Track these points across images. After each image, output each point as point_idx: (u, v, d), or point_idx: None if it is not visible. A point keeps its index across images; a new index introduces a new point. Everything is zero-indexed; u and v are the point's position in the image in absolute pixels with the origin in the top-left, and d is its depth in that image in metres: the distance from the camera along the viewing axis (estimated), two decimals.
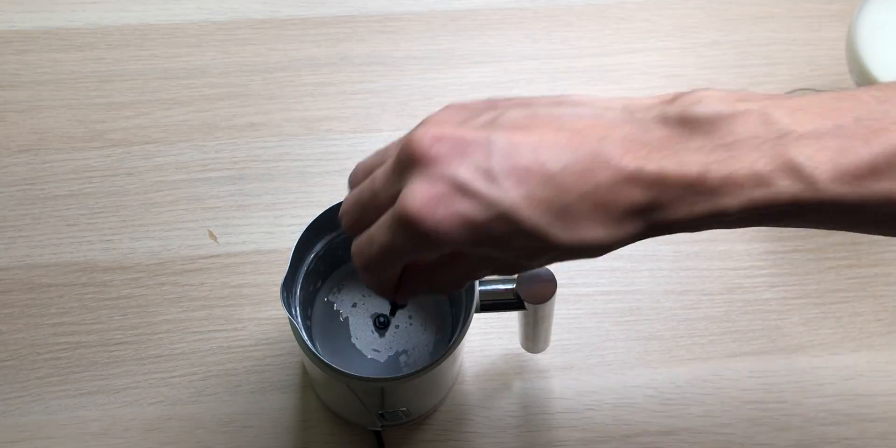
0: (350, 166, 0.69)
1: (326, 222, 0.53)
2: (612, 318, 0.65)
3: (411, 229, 0.35)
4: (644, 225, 0.36)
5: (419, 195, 0.35)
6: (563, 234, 0.35)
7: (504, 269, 0.40)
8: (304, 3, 0.76)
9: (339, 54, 0.74)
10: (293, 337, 0.51)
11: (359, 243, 0.39)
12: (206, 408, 0.61)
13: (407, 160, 0.36)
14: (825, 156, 0.33)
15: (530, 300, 0.50)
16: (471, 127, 0.36)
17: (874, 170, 0.34)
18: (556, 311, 0.55)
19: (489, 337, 0.64)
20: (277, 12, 0.75)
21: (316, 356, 0.49)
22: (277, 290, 0.51)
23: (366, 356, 0.56)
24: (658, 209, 0.35)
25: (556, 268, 0.51)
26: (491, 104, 0.38)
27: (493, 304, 0.51)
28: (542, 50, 0.75)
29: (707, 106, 0.35)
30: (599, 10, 0.76)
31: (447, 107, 0.39)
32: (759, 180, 0.33)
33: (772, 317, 0.66)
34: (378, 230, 0.37)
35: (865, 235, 0.68)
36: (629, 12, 0.77)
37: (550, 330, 0.57)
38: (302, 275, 0.54)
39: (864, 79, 0.62)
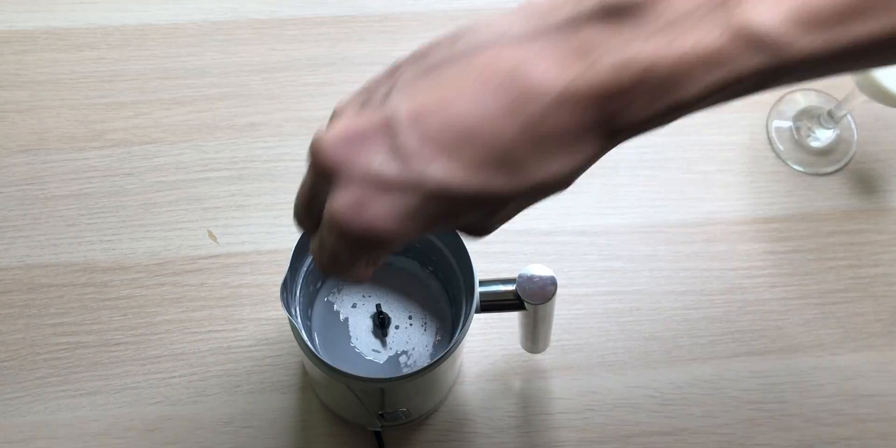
0: None
1: None
2: (612, 318, 0.65)
3: (347, 237, 0.33)
4: (600, 142, 0.31)
5: (340, 204, 0.32)
6: (512, 184, 0.31)
7: (472, 233, 0.36)
8: (304, 3, 0.76)
9: (339, 54, 0.74)
10: (293, 337, 0.51)
11: (313, 248, 0.37)
12: (205, 408, 0.61)
13: (318, 170, 0.33)
14: (780, 10, 0.28)
15: (530, 300, 0.50)
16: (369, 109, 0.33)
17: (842, 13, 0.28)
18: (556, 312, 0.54)
19: (489, 337, 0.64)
20: (277, 12, 0.75)
21: (316, 356, 0.49)
22: (277, 290, 0.51)
23: (365, 356, 0.56)
24: (609, 121, 0.30)
25: (556, 268, 0.51)
26: (390, 71, 0.34)
27: (493, 304, 0.51)
28: None
29: None
30: None
31: (353, 92, 0.36)
32: (714, 59, 0.29)
33: (772, 317, 0.66)
34: (324, 237, 0.35)
35: (866, 237, 0.69)
36: None
37: (550, 330, 0.57)
38: (302, 275, 0.54)
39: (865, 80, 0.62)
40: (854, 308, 0.66)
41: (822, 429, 0.62)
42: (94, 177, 0.68)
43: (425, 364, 0.49)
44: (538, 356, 0.63)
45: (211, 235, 0.66)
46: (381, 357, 0.56)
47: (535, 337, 0.57)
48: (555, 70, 0.30)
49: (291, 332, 0.51)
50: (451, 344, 0.49)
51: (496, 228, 0.36)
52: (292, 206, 0.38)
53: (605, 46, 0.30)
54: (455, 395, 0.62)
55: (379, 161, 0.31)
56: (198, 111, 0.71)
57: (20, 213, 0.67)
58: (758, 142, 0.73)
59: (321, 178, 0.33)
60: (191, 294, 0.64)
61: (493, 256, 0.66)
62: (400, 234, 0.32)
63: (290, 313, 0.49)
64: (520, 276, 0.50)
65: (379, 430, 0.59)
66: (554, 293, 0.50)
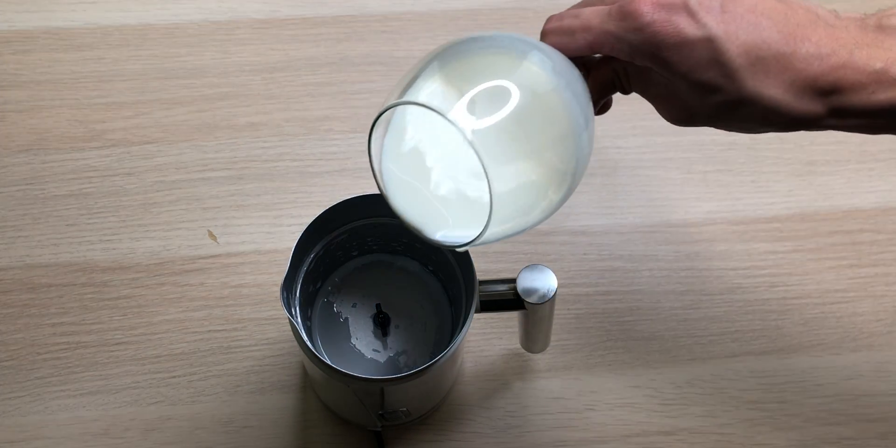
0: (350, 166, 0.69)
1: (326, 222, 0.53)
2: (612, 318, 0.65)
3: (628, 20, 0.39)
4: (823, 107, 0.39)
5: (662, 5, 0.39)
6: (748, 80, 0.39)
7: (676, 99, 0.42)
8: (304, 3, 0.76)
9: (339, 54, 0.74)
10: (293, 337, 0.51)
11: (563, 15, 0.42)
12: (205, 408, 0.61)
13: None
14: None
15: (530, 300, 0.50)
16: None
17: None
18: (556, 311, 0.55)
19: (489, 337, 0.64)
20: (277, 12, 0.75)
21: (316, 356, 0.49)
22: (277, 290, 0.51)
23: (366, 356, 0.56)
24: (839, 93, 0.39)
25: (556, 268, 0.51)
26: None
27: (493, 304, 0.51)
28: None
29: None
30: None
31: None
32: None
33: (772, 317, 0.66)
34: (592, 12, 0.41)
35: (866, 237, 0.69)
36: None
37: (550, 330, 0.57)
38: (302, 275, 0.54)
39: None
40: (853, 308, 0.66)
41: (822, 429, 0.62)
42: (93, 177, 0.68)
43: (425, 364, 0.49)
44: (538, 356, 0.63)
45: (211, 235, 0.66)
46: (381, 357, 0.56)
47: (535, 337, 0.57)
48: (829, 39, 0.39)
49: (291, 332, 0.51)
50: (451, 344, 0.49)
51: (690, 107, 0.43)
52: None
53: (868, 43, 0.39)
54: (455, 395, 0.62)
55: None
56: (198, 111, 0.71)
57: (20, 213, 0.67)
58: (758, 142, 0.73)
59: None
60: (191, 294, 0.64)
61: (493, 256, 0.66)
62: (660, 46, 0.39)
63: (290, 313, 0.49)
64: (520, 276, 0.51)
65: (379, 430, 0.59)
66: (554, 293, 0.50)
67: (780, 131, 0.41)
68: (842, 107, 0.39)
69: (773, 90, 0.39)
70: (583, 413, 0.62)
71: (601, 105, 0.46)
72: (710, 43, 0.38)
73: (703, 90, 0.40)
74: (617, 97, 0.47)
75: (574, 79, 0.41)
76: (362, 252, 0.58)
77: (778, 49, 0.38)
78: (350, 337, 0.56)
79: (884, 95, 0.39)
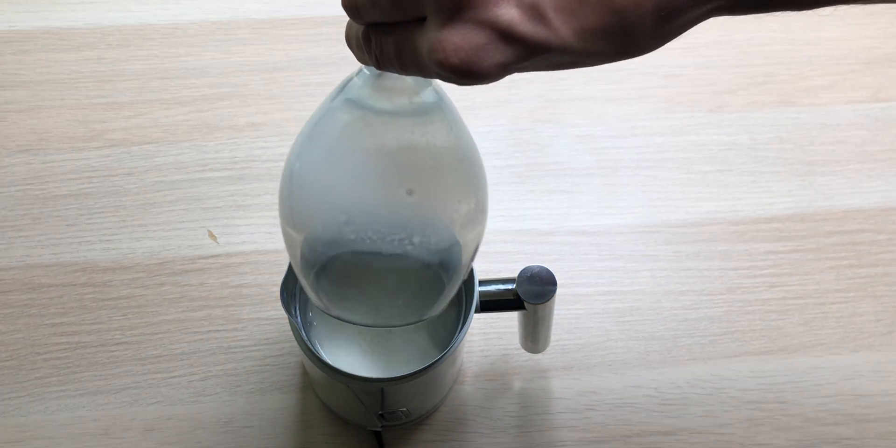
0: None
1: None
2: (612, 318, 0.65)
3: (450, 76, 0.33)
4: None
5: (459, 45, 0.32)
6: (627, 52, 0.33)
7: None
8: (304, 3, 0.76)
9: (339, 54, 0.74)
10: (293, 337, 0.51)
11: (381, 43, 0.36)
12: (205, 408, 0.61)
13: (438, 3, 0.32)
14: None
15: (530, 300, 0.50)
16: None
17: None
18: (556, 311, 0.55)
19: (489, 337, 0.64)
20: (277, 12, 0.75)
21: (316, 356, 0.49)
22: (277, 290, 0.51)
23: (366, 356, 0.56)
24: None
25: (556, 268, 0.51)
26: None
27: (493, 304, 0.51)
28: None
29: None
30: None
31: None
32: None
33: (772, 317, 0.66)
34: (408, 58, 0.34)
35: (866, 237, 0.68)
36: None
37: (550, 330, 0.57)
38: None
39: None
40: (854, 308, 0.66)
41: (822, 429, 0.62)
42: (93, 177, 0.68)
43: (425, 364, 0.49)
44: (538, 356, 0.63)
45: (211, 235, 0.66)
46: (382, 357, 0.56)
47: (535, 337, 0.57)
48: None
49: (291, 332, 0.51)
50: (451, 344, 0.49)
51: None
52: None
53: None
54: (455, 395, 0.62)
55: (512, 11, 0.31)
56: (198, 111, 0.71)
57: (20, 213, 0.67)
58: (758, 142, 0.73)
59: (440, 8, 0.32)
60: (191, 294, 0.64)
61: (493, 256, 0.66)
62: (493, 79, 0.33)
63: (290, 313, 0.49)
64: (520, 276, 0.51)
65: (379, 430, 0.59)
66: (554, 293, 0.50)
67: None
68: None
69: (655, 43, 0.33)
70: (583, 413, 0.62)
71: None
72: (556, 53, 0.33)
73: (584, 64, 0.35)
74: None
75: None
76: None
77: (641, 7, 0.32)
78: (350, 337, 0.56)
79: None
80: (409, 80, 0.39)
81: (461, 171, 0.41)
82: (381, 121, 0.40)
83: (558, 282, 0.50)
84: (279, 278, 0.49)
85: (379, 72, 0.38)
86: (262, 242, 0.66)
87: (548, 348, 0.60)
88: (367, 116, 0.39)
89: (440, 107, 0.40)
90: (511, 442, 0.61)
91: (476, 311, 0.51)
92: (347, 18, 0.36)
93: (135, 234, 0.66)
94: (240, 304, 0.64)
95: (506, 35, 0.32)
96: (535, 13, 0.31)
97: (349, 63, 0.42)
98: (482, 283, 0.51)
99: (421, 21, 0.33)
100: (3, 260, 0.65)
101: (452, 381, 0.61)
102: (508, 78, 0.34)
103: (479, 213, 0.43)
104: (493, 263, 0.65)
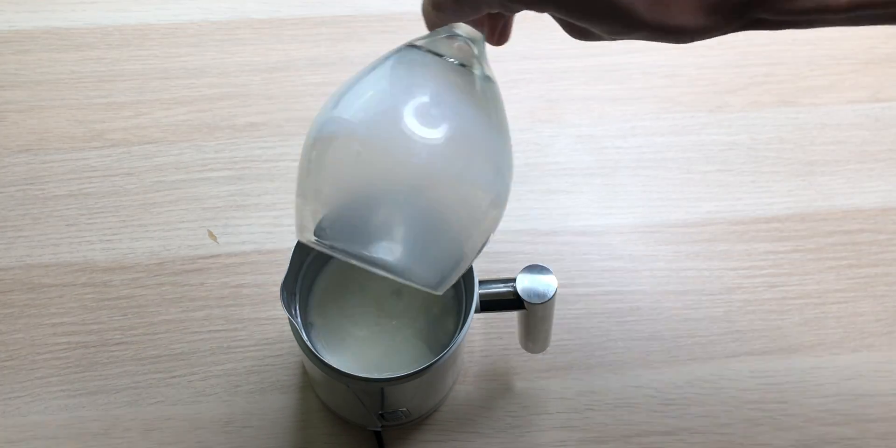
0: None
1: (326, 222, 0.53)
2: (612, 318, 0.65)
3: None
4: (741, 21, 0.36)
5: None
6: (650, 15, 0.35)
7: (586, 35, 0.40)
8: (304, 3, 0.76)
9: (338, 54, 0.74)
10: (293, 337, 0.51)
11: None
12: (205, 408, 0.61)
13: None
14: None
15: (530, 300, 0.50)
16: None
17: None
18: (556, 311, 0.55)
19: (489, 337, 0.64)
20: (277, 12, 0.75)
21: (316, 356, 0.49)
22: (277, 290, 0.51)
23: (366, 356, 0.56)
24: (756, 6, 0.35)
25: (556, 268, 0.51)
26: None
27: (493, 304, 0.51)
28: (542, 50, 0.75)
29: None
30: None
31: None
32: None
33: (772, 317, 0.66)
34: None
35: (866, 237, 0.68)
36: None
37: (550, 330, 0.57)
38: (302, 275, 0.54)
39: None
40: (854, 308, 0.66)
41: (822, 429, 0.62)
42: (93, 177, 0.68)
43: (425, 364, 0.49)
44: (538, 356, 0.63)
45: (211, 235, 0.66)
46: (382, 357, 0.56)
47: (535, 337, 0.57)
48: None
49: (291, 332, 0.51)
50: (451, 344, 0.49)
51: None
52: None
53: None
54: (455, 395, 0.62)
55: None
56: (198, 111, 0.71)
57: (20, 213, 0.67)
58: (758, 142, 0.73)
59: None
60: (191, 294, 0.64)
61: (493, 256, 0.66)
62: (555, 5, 0.36)
63: (290, 313, 0.49)
64: (520, 276, 0.51)
65: (379, 430, 0.59)
66: (554, 293, 0.50)
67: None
68: (763, 19, 0.36)
69: (680, 19, 0.35)
70: (583, 413, 0.62)
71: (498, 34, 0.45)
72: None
73: (609, 32, 0.38)
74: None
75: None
76: None
77: None
78: (350, 337, 0.56)
79: (810, 2, 0.35)
80: (475, 51, 0.42)
81: (505, 147, 0.42)
82: (444, 63, 0.42)
83: (558, 282, 0.50)
84: (279, 278, 0.49)
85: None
86: (262, 242, 0.66)
87: (548, 348, 0.60)
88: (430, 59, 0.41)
89: (496, 92, 0.43)
90: (511, 442, 0.61)
91: (476, 311, 0.51)
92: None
93: (135, 234, 0.66)
94: (240, 304, 0.64)
95: None
96: None
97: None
98: (482, 283, 0.51)
99: None
100: (3, 260, 0.65)
101: (452, 381, 0.61)
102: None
103: (502, 197, 0.42)
104: (493, 263, 0.65)
